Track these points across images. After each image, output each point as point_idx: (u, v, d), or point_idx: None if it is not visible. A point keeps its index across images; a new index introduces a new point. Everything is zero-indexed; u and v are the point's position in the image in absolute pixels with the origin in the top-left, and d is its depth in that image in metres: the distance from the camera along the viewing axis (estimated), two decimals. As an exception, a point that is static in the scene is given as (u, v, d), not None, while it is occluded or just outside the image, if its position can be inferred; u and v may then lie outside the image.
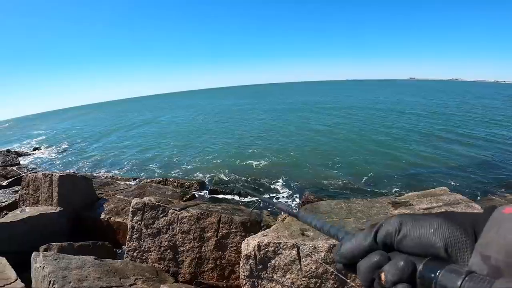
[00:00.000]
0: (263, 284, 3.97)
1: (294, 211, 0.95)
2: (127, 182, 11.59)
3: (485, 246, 0.41)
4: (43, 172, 8.28)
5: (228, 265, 5.04)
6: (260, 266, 3.94)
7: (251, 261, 3.98)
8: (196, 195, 10.47)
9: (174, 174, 14.61)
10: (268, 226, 5.01)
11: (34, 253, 4.40)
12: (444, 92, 73.79)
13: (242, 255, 4.08)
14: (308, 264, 3.71)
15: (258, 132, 25.72)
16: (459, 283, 0.38)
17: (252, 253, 3.95)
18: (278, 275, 3.88)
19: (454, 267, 0.41)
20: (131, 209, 5.57)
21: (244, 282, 4.08)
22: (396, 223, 0.51)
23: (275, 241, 3.89)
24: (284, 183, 12.62)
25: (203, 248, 5.17)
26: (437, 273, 0.41)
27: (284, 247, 3.85)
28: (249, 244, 4.01)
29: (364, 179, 12.82)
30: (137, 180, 11.35)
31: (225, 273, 5.02)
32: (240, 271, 4.25)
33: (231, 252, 5.07)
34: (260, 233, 4.32)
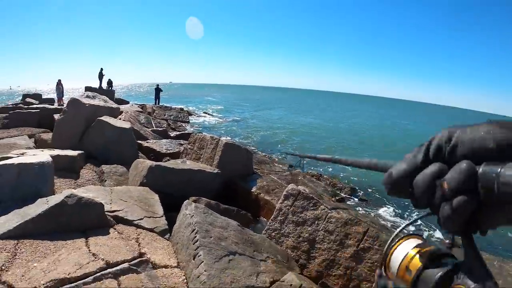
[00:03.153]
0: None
1: (336, 157, 0.96)
2: (282, 167, 11.94)
3: None
4: (211, 135, 9.11)
5: (357, 278, 4.70)
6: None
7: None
8: (345, 199, 10.16)
9: (329, 171, 14.54)
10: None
11: (186, 201, 4.79)
12: None
13: (374, 284, 3.75)
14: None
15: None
16: None
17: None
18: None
19: None
20: (284, 193, 5.63)
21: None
22: (445, 133, 0.48)
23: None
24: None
25: (339, 253, 4.93)
26: (499, 171, 0.39)
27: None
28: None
29: None
30: (292, 167, 11.57)
31: (350, 284, 4.70)
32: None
33: (364, 267, 4.73)
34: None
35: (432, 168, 0.47)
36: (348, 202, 10.19)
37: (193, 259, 3.68)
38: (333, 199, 8.47)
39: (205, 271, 3.41)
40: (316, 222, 5.25)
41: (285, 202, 5.56)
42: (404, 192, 0.52)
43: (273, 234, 5.45)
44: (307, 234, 5.23)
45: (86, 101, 9.98)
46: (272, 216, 5.65)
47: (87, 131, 8.80)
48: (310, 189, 6.86)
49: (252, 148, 15.98)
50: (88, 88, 25.49)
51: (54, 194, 4.94)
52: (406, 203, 11.37)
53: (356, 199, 10.99)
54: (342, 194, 10.49)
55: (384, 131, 33.66)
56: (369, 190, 12.54)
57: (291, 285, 3.81)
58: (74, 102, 9.34)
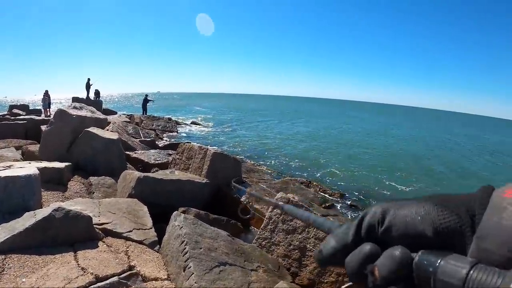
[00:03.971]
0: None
1: (280, 203, 0.92)
2: (271, 174, 11.96)
3: (485, 238, 0.34)
4: (199, 145, 9.12)
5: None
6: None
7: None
8: (335, 205, 10.21)
9: (318, 177, 14.62)
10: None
11: (175, 212, 4.78)
12: None
13: None
14: None
15: (408, 152, 24.45)
16: (464, 272, 0.32)
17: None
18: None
19: (454, 257, 0.35)
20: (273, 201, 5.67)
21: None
22: (378, 212, 0.44)
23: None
24: None
25: (331, 260, 4.96)
26: (436, 265, 0.35)
27: None
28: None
29: None
30: (282, 174, 11.59)
31: (343, 290, 4.74)
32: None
33: (356, 273, 4.77)
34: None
35: (363, 250, 0.44)
36: (338, 208, 10.25)
37: (183, 271, 3.67)
38: (322, 205, 8.49)
39: (195, 282, 3.40)
40: (306, 230, 5.27)
41: (275, 210, 5.58)
42: (338, 265, 0.49)
43: (264, 243, 5.45)
44: (297, 242, 5.25)
45: (73, 112, 9.90)
46: (262, 225, 5.65)
47: (75, 143, 8.73)
48: (299, 196, 6.89)
49: (241, 157, 16.00)
50: (75, 99, 25.24)
51: (41, 207, 4.88)
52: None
53: (346, 205, 11.05)
54: (332, 201, 10.54)
55: (367, 136, 34.13)
56: (358, 194, 12.66)
57: (283, 294, 3.82)
58: (61, 113, 9.27)
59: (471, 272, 0.32)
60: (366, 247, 0.43)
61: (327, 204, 9.19)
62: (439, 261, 0.35)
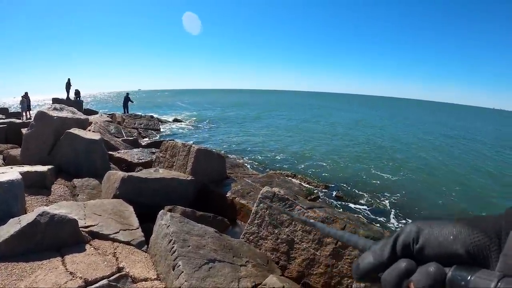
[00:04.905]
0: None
1: (311, 221, 0.93)
2: (256, 168, 12.01)
3: (511, 255, 0.39)
4: (183, 142, 9.09)
5: (338, 275, 4.80)
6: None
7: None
8: (321, 197, 10.31)
9: (303, 170, 14.68)
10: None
11: (161, 211, 4.78)
12: None
13: None
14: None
15: (395, 144, 24.51)
16: (493, 284, 0.36)
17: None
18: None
19: (484, 271, 0.39)
20: (260, 196, 5.69)
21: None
22: (413, 231, 0.47)
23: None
24: (397, 203, 11.43)
25: (318, 252, 5.02)
26: (468, 278, 0.39)
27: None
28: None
29: None
30: (266, 168, 11.62)
31: (332, 282, 4.80)
32: (353, 285, 4.11)
33: (344, 264, 4.83)
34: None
35: (400, 266, 0.47)
36: (324, 200, 10.35)
37: (173, 270, 3.69)
38: (308, 198, 8.57)
39: (185, 281, 3.43)
40: (293, 223, 5.33)
41: (261, 205, 5.62)
42: (374, 280, 0.52)
43: (251, 237, 5.50)
44: (285, 236, 5.30)
45: (54, 113, 9.75)
46: (249, 220, 5.69)
47: (56, 145, 8.61)
48: (285, 190, 6.94)
49: (225, 152, 15.99)
50: (55, 100, 24.72)
51: (26, 213, 4.85)
52: (380, 198, 11.68)
53: (332, 196, 11.16)
54: (318, 192, 10.64)
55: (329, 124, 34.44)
56: (344, 186, 12.76)
57: (273, 288, 3.86)
58: (41, 115, 9.13)
59: (499, 284, 0.36)
60: (402, 263, 0.46)
61: (312, 196, 9.28)
62: (470, 275, 0.39)
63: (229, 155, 15.19)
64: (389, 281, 0.46)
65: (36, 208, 4.87)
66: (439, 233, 0.45)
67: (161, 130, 22.61)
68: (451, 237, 0.43)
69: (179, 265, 3.62)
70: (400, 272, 0.46)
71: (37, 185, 6.69)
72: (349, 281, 4.54)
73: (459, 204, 11.94)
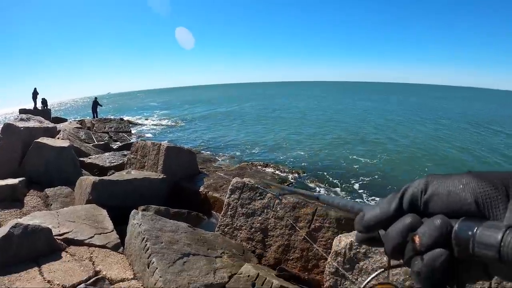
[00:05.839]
0: (345, 284, 3.85)
1: (314, 194, 0.93)
2: (228, 161, 12.15)
3: None
4: (152, 142, 9.15)
5: (314, 258, 4.99)
6: (347, 266, 3.82)
7: (339, 258, 3.87)
8: (294, 184, 10.54)
9: (276, 159, 14.89)
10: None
11: (133, 211, 4.90)
12: None
13: (332, 251, 3.97)
14: (397, 274, 3.51)
15: (372, 130, 24.71)
16: (499, 237, 0.36)
17: (343, 251, 3.83)
18: (362, 279, 3.75)
19: (491, 222, 0.39)
20: (230, 187, 5.84)
21: (328, 278, 4.00)
22: (422, 183, 0.47)
23: (370, 243, 3.73)
24: (368, 185, 11.84)
25: (292, 237, 5.20)
26: (475, 230, 0.39)
27: (377, 251, 3.70)
28: (341, 241, 3.90)
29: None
30: (238, 160, 11.76)
31: (309, 265, 5.00)
32: (326, 266, 4.19)
33: (319, 246, 5.03)
34: (354, 232, 4.17)
35: (405, 220, 0.46)
36: (297, 186, 10.54)
37: (148, 267, 3.83)
38: (281, 186, 8.73)
39: (160, 277, 3.57)
40: (266, 211, 5.50)
41: (232, 196, 5.78)
42: (374, 239, 0.53)
43: (226, 229, 5.66)
44: (258, 224, 5.48)
45: (21, 124, 9.59)
46: (222, 212, 5.85)
47: (26, 155, 8.51)
48: (257, 179, 7.12)
49: (198, 149, 16.01)
50: (22, 111, 24.10)
51: (-1, 227, 4.84)
52: (351, 181, 12.00)
53: (304, 182, 11.37)
54: (290, 179, 10.86)
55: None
56: (315, 171, 13.00)
57: (248, 276, 4.02)
58: (8, 127, 8.99)
59: (507, 232, 0.36)
60: (408, 218, 0.46)
61: (286, 184, 9.48)
62: (476, 227, 0.39)
63: (202, 152, 15.25)
64: (393, 236, 0.47)
65: (9, 222, 4.89)
66: (449, 183, 0.45)
67: (133, 132, 22.28)
68: (461, 186, 0.43)
69: (153, 262, 3.76)
70: (405, 225, 0.46)
71: (9, 199, 6.64)
72: (325, 263, 4.68)
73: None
